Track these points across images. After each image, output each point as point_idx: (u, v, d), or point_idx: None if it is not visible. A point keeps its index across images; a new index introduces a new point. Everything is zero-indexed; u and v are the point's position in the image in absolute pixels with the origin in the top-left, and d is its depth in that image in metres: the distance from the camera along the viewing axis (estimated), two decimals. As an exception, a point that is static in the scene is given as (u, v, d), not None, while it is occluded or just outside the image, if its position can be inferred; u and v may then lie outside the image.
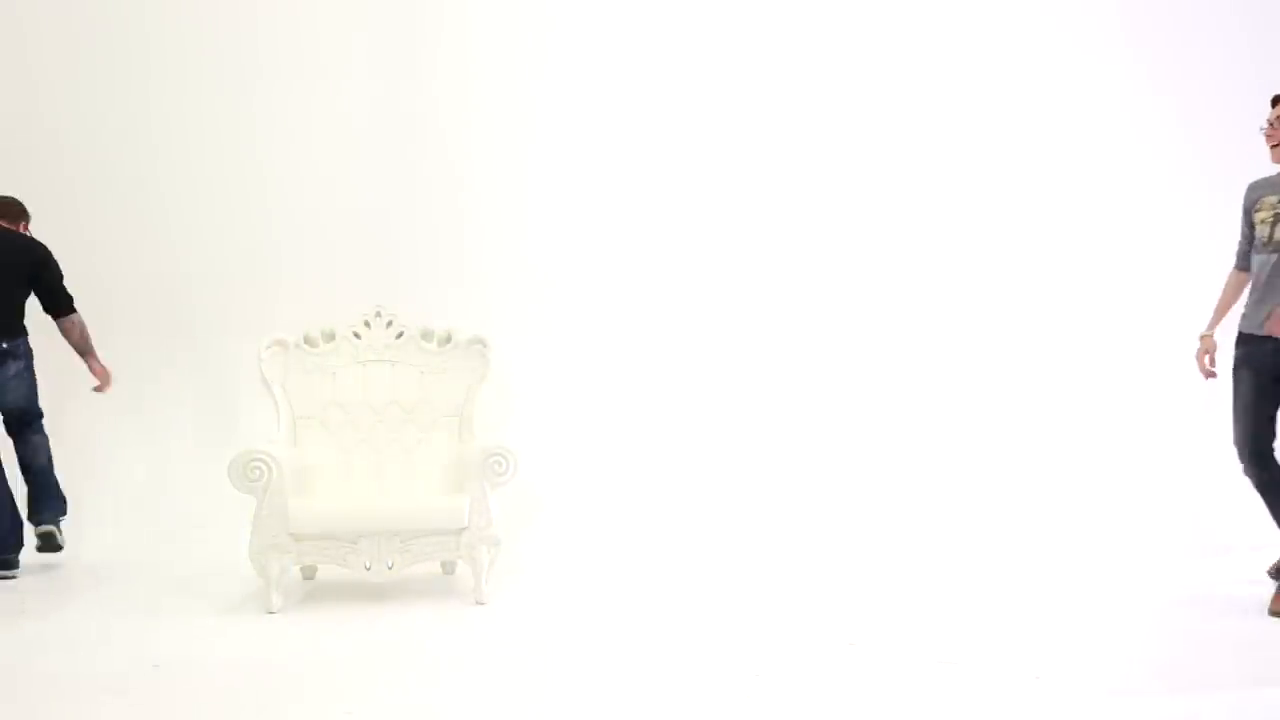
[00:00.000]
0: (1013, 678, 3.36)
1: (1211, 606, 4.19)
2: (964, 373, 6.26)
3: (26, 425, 5.01)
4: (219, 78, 6.03)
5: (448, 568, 4.82)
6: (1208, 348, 4.33)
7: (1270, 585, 4.28)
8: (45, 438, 5.06)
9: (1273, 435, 4.13)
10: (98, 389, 5.16)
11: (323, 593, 4.55)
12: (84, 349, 5.10)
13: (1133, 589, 4.50)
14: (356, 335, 4.87)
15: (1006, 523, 5.59)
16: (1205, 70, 6.48)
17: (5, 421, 5.01)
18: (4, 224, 5.02)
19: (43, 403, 5.03)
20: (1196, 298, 6.46)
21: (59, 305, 5.05)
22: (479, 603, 4.30)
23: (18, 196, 5.11)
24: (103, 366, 5.14)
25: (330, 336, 4.85)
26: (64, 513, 5.06)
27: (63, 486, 5.05)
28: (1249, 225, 4.25)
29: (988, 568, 4.87)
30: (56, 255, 5.02)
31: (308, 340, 4.83)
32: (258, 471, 4.22)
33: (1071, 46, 6.45)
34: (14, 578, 4.81)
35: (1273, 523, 4.12)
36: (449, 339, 4.90)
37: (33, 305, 5.05)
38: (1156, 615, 4.11)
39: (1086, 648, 3.69)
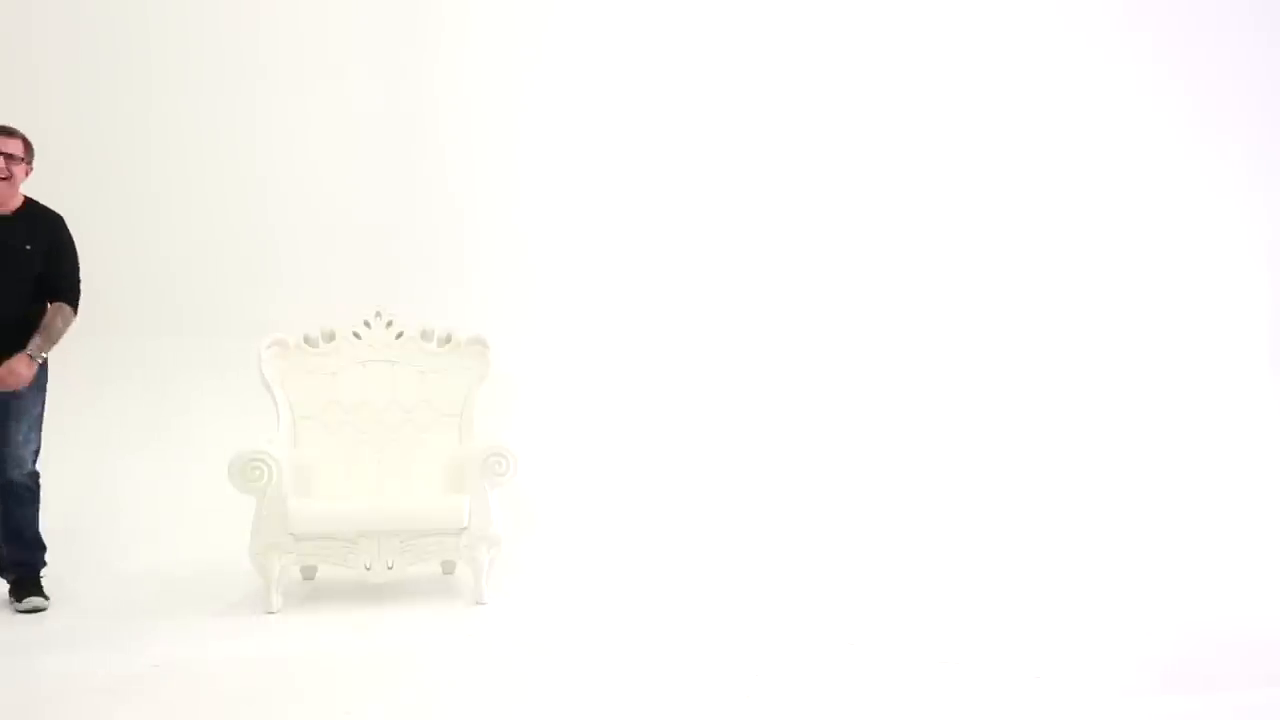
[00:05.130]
0: (1013, 678, 3.36)
1: (1213, 606, 4.19)
2: (963, 372, 6.26)
3: None
4: (220, 77, 6.02)
5: (447, 568, 4.81)
6: None
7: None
8: None
9: None
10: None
11: (323, 593, 4.54)
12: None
13: (1133, 588, 4.49)
14: (357, 335, 4.87)
15: (1007, 523, 5.59)
16: (1211, 68, 6.50)
17: None
18: None
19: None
20: (1195, 298, 6.51)
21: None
22: (479, 603, 4.29)
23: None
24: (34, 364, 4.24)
25: (330, 337, 4.85)
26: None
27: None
28: None
29: (987, 568, 4.86)
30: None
31: (308, 340, 4.83)
32: (258, 471, 4.22)
33: (1078, 45, 6.45)
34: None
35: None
36: (449, 339, 4.90)
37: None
38: (1157, 615, 4.10)
39: (1087, 648, 3.68)
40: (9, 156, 4.18)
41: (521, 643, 3.80)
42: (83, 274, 4.48)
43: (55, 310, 4.31)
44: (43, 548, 4.40)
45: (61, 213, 4.45)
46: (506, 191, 6.19)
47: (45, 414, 4.38)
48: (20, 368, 4.17)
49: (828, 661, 3.54)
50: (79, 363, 5.13)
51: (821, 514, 5.70)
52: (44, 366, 4.31)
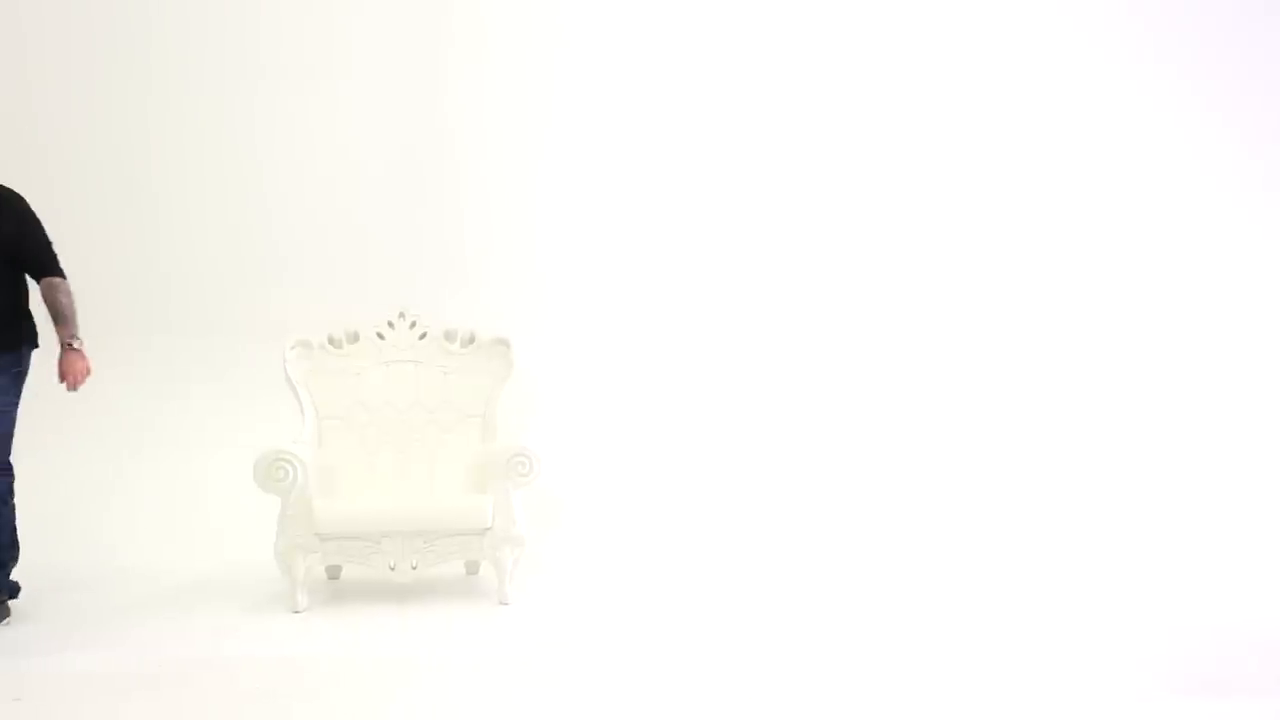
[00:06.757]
0: (1013, 678, 3.34)
1: (1216, 607, 4.15)
2: (967, 373, 6.22)
3: None
4: (239, 76, 6.06)
5: (471, 568, 4.82)
6: None
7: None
8: None
9: None
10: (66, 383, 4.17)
11: (347, 593, 4.56)
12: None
13: (1137, 589, 4.45)
14: (380, 336, 4.88)
15: (1009, 523, 5.54)
16: (1216, 68, 6.45)
17: None
18: None
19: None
20: (1197, 297, 6.44)
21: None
22: (502, 603, 4.30)
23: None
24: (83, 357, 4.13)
25: (354, 337, 4.87)
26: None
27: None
28: None
29: (989, 568, 4.82)
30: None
31: (332, 341, 4.85)
32: (283, 472, 4.25)
33: (1082, 44, 6.40)
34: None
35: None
36: (472, 339, 4.91)
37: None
38: (1161, 616, 4.07)
39: (1087, 648, 3.66)
40: None
41: (545, 643, 3.81)
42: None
43: (50, 290, 4.12)
44: (14, 545, 4.20)
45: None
46: (527, 191, 6.20)
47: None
48: (76, 361, 4.11)
49: (827, 662, 3.53)
50: (99, 361, 5.16)
51: (840, 513, 5.67)
52: (16, 362, 4.13)
